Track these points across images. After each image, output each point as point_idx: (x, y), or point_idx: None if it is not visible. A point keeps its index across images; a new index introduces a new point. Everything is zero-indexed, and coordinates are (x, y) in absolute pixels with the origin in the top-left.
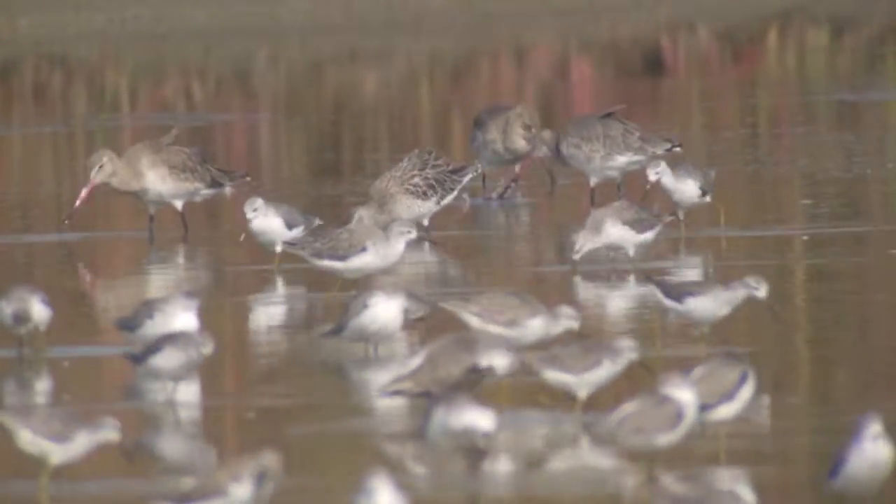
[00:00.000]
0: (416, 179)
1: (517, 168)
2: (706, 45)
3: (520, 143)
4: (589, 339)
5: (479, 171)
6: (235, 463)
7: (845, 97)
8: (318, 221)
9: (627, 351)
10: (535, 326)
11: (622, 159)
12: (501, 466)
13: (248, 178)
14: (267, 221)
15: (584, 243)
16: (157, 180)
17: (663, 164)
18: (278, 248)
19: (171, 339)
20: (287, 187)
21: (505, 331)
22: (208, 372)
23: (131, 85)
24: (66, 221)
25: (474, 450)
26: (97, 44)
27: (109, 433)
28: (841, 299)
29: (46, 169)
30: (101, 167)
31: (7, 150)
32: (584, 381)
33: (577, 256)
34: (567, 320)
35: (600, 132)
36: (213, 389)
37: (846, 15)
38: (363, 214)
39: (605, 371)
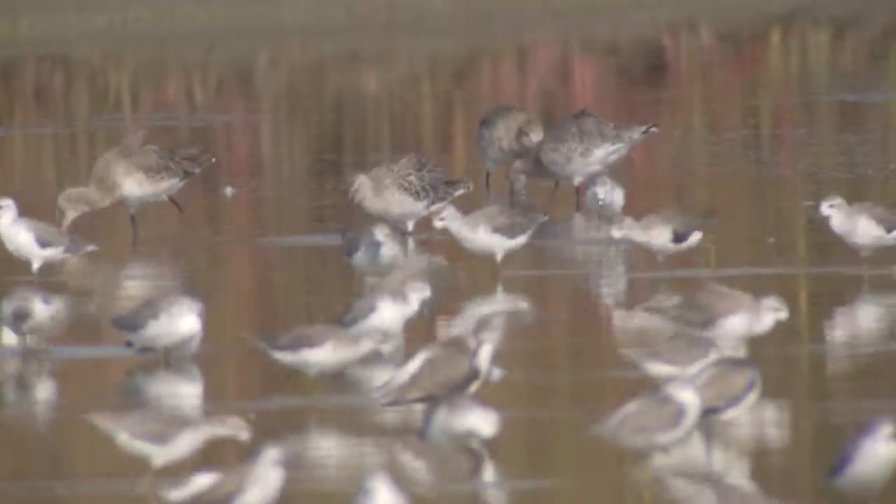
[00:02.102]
0: (412, 178)
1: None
2: (708, 46)
3: (526, 142)
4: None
5: (471, 188)
6: (242, 467)
7: (847, 98)
8: (91, 248)
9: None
10: (735, 324)
11: (600, 152)
12: (502, 466)
13: (214, 160)
14: (16, 234)
15: (458, 227)
16: (135, 186)
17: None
18: (35, 265)
19: (330, 334)
20: (288, 188)
21: (702, 331)
22: (209, 373)
23: (133, 85)
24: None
25: (474, 450)
26: (98, 45)
27: (214, 430)
28: (839, 300)
29: (48, 169)
30: (62, 215)
31: (8, 151)
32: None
33: (438, 224)
34: (772, 313)
35: (575, 130)
36: (214, 390)
37: (848, 16)
38: (363, 181)
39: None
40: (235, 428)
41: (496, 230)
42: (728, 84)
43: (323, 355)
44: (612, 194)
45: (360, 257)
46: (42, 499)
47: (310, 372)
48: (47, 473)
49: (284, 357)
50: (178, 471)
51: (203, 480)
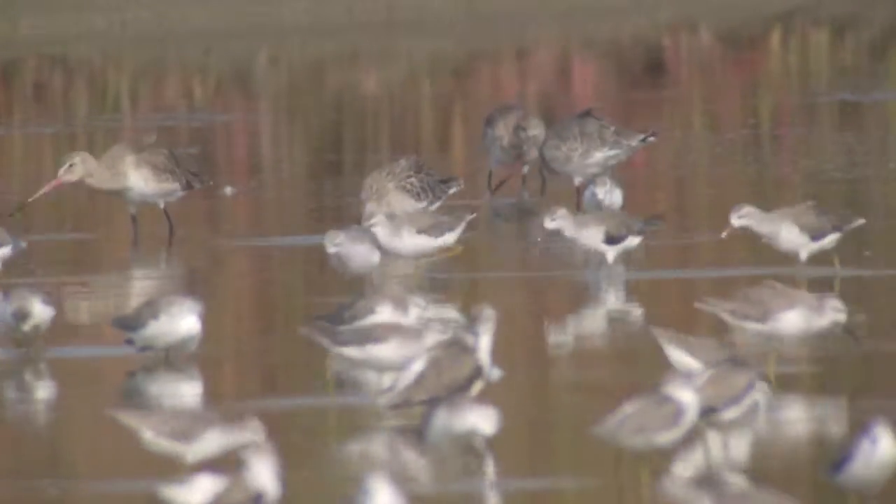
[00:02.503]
0: (413, 180)
1: (525, 169)
2: (708, 46)
3: (523, 137)
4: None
5: (462, 186)
6: (240, 479)
7: (847, 98)
8: (23, 244)
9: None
10: (792, 319)
11: (599, 155)
12: (502, 466)
13: (211, 183)
14: None
15: (383, 231)
16: (141, 181)
17: (608, 182)
18: None
19: (395, 329)
20: (288, 187)
21: (759, 326)
22: (208, 373)
23: (132, 85)
24: (14, 215)
25: (475, 449)
26: (98, 45)
27: (247, 434)
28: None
29: (47, 169)
30: (71, 166)
31: (8, 150)
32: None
33: (365, 223)
34: (833, 312)
35: (577, 131)
36: (213, 390)
37: (848, 16)
38: (373, 209)
39: None
40: (253, 431)
41: (420, 231)
42: (728, 84)
43: (388, 351)
44: (611, 195)
45: (332, 259)
46: (42, 498)
47: (373, 369)
48: (47, 473)
49: (349, 353)
50: (177, 470)
51: (204, 482)
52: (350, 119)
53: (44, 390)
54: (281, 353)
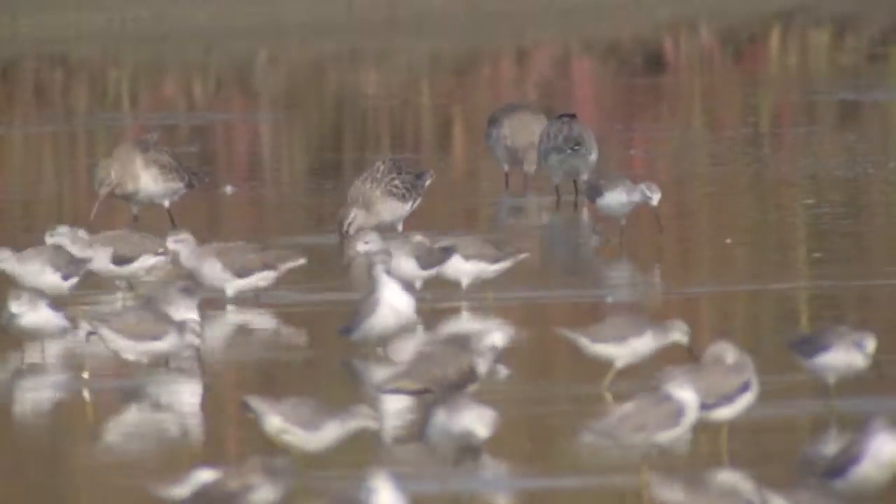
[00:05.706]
0: (397, 182)
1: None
2: (708, 45)
3: (524, 141)
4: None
5: (434, 177)
6: (245, 469)
7: (847, 97)
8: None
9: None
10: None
11: (554, 157)
12: (500, 465)
13: (207, 180)
14: None
15: (188, 255)
16: (150, 181)
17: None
18: None
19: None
20: (288, 187)
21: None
22: (207, 373)
23: (132, 84)
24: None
25: (472, 449)
26: (98, 44)
27: (363, 422)
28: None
29: (47, 168)
30: (105, 183)
31: (8, 150)
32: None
33: (172, 243)
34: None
35: (544, 135)
36: (213, 390)
37: (848, 14)
38: (358, 213)
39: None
40: (366, 418)
41: (225, 268)
42: (728, 83)
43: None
44: (629, 195)
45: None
46: (42, 495)
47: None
48: (48, 471)
49: None
50: (177, 468)
51: (203, 477)
52: (350, 119)
53: (44, 389)
54: (280, 352)
